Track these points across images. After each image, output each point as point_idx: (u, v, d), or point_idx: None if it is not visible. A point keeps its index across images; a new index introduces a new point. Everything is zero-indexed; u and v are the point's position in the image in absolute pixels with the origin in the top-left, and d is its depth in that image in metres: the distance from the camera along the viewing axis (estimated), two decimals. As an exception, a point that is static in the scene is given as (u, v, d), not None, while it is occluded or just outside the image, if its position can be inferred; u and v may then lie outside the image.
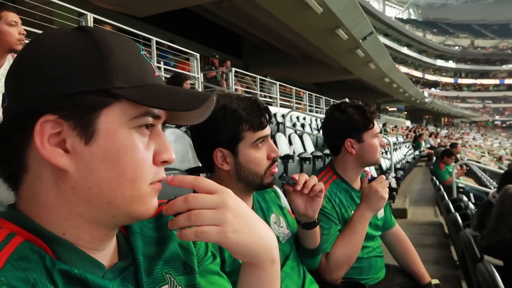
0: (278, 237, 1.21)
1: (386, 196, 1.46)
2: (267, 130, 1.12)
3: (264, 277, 0.63)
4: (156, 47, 7.21)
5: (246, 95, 1.17)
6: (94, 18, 5.60)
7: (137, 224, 0.65)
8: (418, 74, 68.89)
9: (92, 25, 5.30)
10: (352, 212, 1.55)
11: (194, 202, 0.55)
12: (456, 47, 78.39)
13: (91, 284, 0.51)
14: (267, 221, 1.21)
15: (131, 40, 0.57)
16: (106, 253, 0.57)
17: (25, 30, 2.14)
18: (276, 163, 1.13)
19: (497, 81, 78.86)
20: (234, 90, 8.99)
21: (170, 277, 0.64)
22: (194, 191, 0.58)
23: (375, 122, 1.64)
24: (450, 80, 77.05)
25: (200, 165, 2.19)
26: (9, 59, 2.11)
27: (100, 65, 0.50)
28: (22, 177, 0.52)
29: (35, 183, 0.51)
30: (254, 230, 0.59)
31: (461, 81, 78.14)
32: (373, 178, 1.49)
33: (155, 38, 7.00)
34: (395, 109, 47.83)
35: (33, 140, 0.49)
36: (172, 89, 0.56)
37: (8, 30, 2.00)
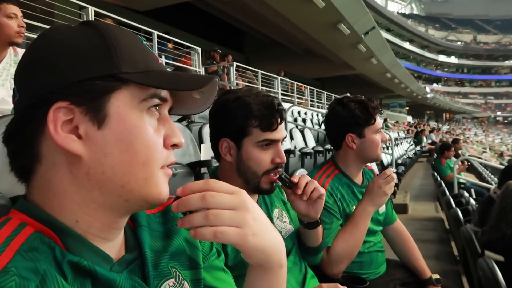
0: (280, 232, 1.20)
1: (389, 192, 1.44)
2: (278, 135, 1.08)
3: (272, 281, 0.62)
4: (158, 41, 7.19)
5: (269, 94, 1.14)
6: (95, 11, 5.58)
7: (144, 218, 0.65)
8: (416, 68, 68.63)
9: (93, 19, 5.29)
10: (354, 207, 1.55)
11: (212, 201, 0.54)
12: (459, 43, 78.03)
13: (100, 276, 0.51)
14: (270, 215, 1.21)
15: (133, 32, 0.59)
16: (114, 245, 0.58)
17: (26, 23, 2.13)
18: (279, 169, 1.10)
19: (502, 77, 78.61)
20: (235, 84, 8.97)
21: (176, 271, 0.64)
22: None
23: (377, 118, 1.63)
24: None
25: (202, 159, 2.19)
26: (10, 52, 2.09)
27: (107, 52, 0.52)
28: (34, 168, 0.53)
29: (48, 172, 0.52)
30: (269, 234, 0.59)
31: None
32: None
33: (156, 32, 6.98)
34: (395, 104, 47.75)
35: (47, 128, 0.50)
36: (176, 73, 0.58)
37: (7, 22, 1.99)
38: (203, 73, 8.59)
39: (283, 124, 1.10)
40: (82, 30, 0.54)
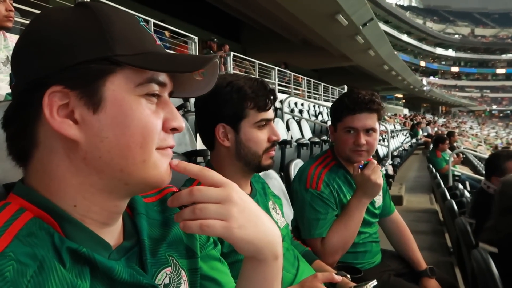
0: (276, 222, 1.21)
1: (381, 181, 1.43)
2: (271, 114, 1.13)
3: (266, 273, 0.62)
4: (154, 30, 7.11)
5: (254, 76, 1.18)
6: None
7: (142, 206, 0.65)
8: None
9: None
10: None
11: (199, 195, 0.55)
12: (456, 36, 77.96)
13: (98, 264, 0.51)
14: (266, 206, 1.22)
15: (130, 13, 0.58)
16: (113, 231, 0.57)
17: (20, 9, 2.09)
18: (275, 146, 1.15)
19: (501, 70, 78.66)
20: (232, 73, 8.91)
21: (173, 260, 0.64)
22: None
23: (355, 116, 1.50)
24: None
25: (198, 148, 2.18)
26: (1, 38, 2.07)
27: (100, 34, 0.51)
28: (32, 153, 0.52)
29: (45, 157, 0.52)
30: (259, 226, 0.58)
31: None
32: (364, 165, 1.45)
33: (152, 20, 6.90)
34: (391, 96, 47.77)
35: (43, 113, 0.49)
36: (173, 54, 0.56)
37: None
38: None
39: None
40: (76, 12, 0.53)
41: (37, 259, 0.45)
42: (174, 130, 0.57)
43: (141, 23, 0.57)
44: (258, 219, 0.59)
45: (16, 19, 2.17)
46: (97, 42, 0.50)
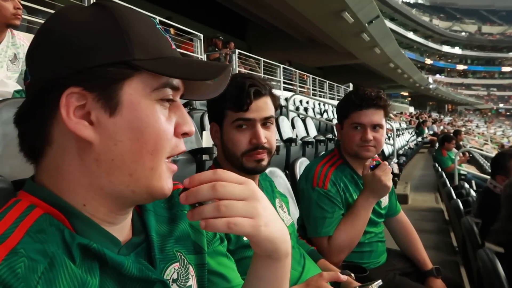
0: (283, 220, 1.22)
1: (390, 184, 1.43)
2: (253, 114, 1.07)
3: (278, 270, 0.62)
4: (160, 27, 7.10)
5: (252, 74, 1.16)
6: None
7: (150, 203, 0.65)
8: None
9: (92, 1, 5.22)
10: (356, 197, 1.54)
11: (223, 191, 0.52)
12: (463, 33, 77.35)
13: (108, 259, 0.52)
14: (273, 204, 1.22)
15: (146, 14, 0.58)
16: (121, 228, 0.58)
17: (27, 6, 2.10)
18: (261, 150, 1.09)
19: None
20: (237, 72, 8.92)
21: (181, 255, 0.65)
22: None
23: (362, 112, 1.51)
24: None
25: (203, 146, 2.18)
26: (9, 35, 2.08)
27: (120, 38, 0.51)
28: (44, 151, 0.53)
29: (58, 156, 0.52)
30: (278, 224, 0.58)
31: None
32: (375, 166, 1.45)
33: (158, 18, 6.91)
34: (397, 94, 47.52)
35: (59, 113, 0.50)
36: (189, 60, 0.56)
37: (2, 4, 1.97)
38: (205, 60, 8.53)
39: (261, 103, 1.09)
40: (95, 12, 0.53)
41: (47, 255, 0.46)
42: (185, 134, 0.57)
43: (157, 26, 0.57)
44: (276, 216, 0.59)
45: (23, 16, 2.18)
46: (116, 45, 0.51)
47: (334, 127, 1.62)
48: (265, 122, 1.10)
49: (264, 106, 1.09)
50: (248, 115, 1.07)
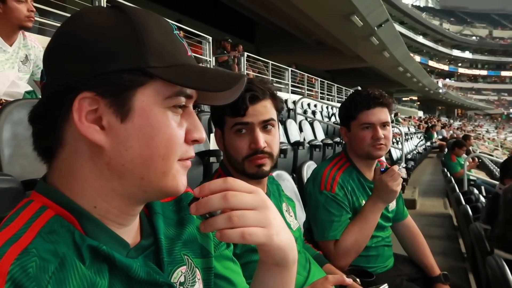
0: (289, 224, 1.22)
1: (398, 189, 1.43)
2: (251, 118, 1.06)
3: (285, 278, 0.62)
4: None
5: (253, 78, 1.16)
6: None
7: (159, 206, 0.66)
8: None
9: (105, 5, 5.26)
10: (363, 201, 1.54)
11: (235, 201, 0.53)
12: (474, 37, 76.68)
13: (117, 262, 0.52)
14: (280, 209, 1.22)
15: (164, 19, 0.57)
16: (129, 230, 0.58)
17: (38, 8, 2.14)
18: (261, 155, 1.07)
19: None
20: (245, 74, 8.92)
21: (188, 259, 0.65)
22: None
23: (368, 113, 1.52)
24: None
25: (211, 149, 2.19)
26: (20, 37, 2.12)
27: (135, 44, 0.51)
28: (57, 151, 0.53)
29: (70, 158, 0.53)
30: (286, 231, 0.59)
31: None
32: (385, 170, 1.45)
33: (168, 21, 6.95)
34: (407, 99, 47.25)
35: (72, 116, 0.50)
36: (204, 69, 0.56)
37: (17, 6, 2.01)
38: (214, 63, 8.58)
39: (259, 107, 1.07)
40: (112, 16, 0.53)
41: (58, 255, 0.46)
42: (195, 141, 0.57)
43: (174, 32, 0.57)
44: (284, 224, 0.59)
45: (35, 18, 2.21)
46: (132, 52, 0.51)
47: (341, 131, 1.61)
48: (265, 125, 1.08)
49: (262, 110, 1.07)
50: (245, 119, 1.06)
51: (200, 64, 0.57)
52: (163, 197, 0.58)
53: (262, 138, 1.07)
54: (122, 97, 0.51)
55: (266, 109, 1.08)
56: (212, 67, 8.46)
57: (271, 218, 0.55)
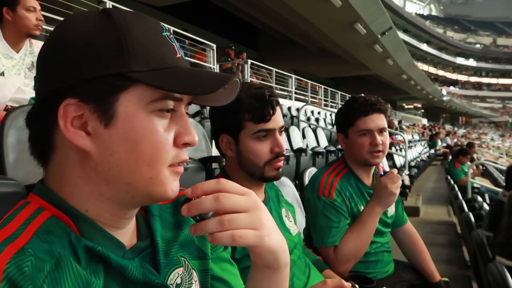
0: (289, 230, 1.22)
1: (397, 191, 1.43)
2: (273, 124, 1.09)
3: (277, 281, 0.62)
4: (175, 38, 7.21)
5: (264, 84, 1.18)
6: (112, 6, 5.65)
7: (156, 208, 0.66)
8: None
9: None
10: (362, 207, 1.54)
11: (227, 203, 0.52)
12: (478, 45, 76.56)
13: (113, 262, 0.53)
14: (279, 213, 1.22)
15: (154, 21, 0.56)
16: (125, 232, 0.59)
17: (44, 16, 2.18)
18: (281, 158, 1.11)
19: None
20: (249, 81, 8.96)
21: (185, 261, 0.65)
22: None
23: (365, 119, 1.54)
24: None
25: (213, 155, 2.20)
26: (27, 44, 2.16)
27: (118, 49, 0.51)
28: (50, 156, 0.55)
29: (61, 162, 0.54)
30: (279, 234, 0.59)
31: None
32: (385, 173, 1.46)
33: (172, 28, 7.03)
34: (411, 106, 47.13)
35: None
36: (191, 72, 0.55)
37: (26, 15, 2.05)
38: (218, 70, 8.62)
39: (278, 113, 1.10)
40: (98, 22, 0.52)
41: (54, 255, 0.47)
42: (187, 144, 0.56)
43: (164, 33, 0.55)
44: (276, 227, 0.60)
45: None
46: (115, 57, 0.50)
47: (338, 137, 1.62)
48: (280, 130, 1.12)
49: (280, 115, 1.11)
50: (269, 125, 1.08)
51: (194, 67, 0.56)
52: (152, 203, 0.58)
53: (284, 143, 1.10)
54: (105, 102, 0.50)
55: (281, 115, 1.12)
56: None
57: (263, 220, 0.55)
